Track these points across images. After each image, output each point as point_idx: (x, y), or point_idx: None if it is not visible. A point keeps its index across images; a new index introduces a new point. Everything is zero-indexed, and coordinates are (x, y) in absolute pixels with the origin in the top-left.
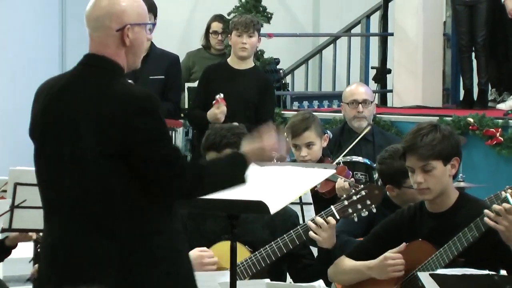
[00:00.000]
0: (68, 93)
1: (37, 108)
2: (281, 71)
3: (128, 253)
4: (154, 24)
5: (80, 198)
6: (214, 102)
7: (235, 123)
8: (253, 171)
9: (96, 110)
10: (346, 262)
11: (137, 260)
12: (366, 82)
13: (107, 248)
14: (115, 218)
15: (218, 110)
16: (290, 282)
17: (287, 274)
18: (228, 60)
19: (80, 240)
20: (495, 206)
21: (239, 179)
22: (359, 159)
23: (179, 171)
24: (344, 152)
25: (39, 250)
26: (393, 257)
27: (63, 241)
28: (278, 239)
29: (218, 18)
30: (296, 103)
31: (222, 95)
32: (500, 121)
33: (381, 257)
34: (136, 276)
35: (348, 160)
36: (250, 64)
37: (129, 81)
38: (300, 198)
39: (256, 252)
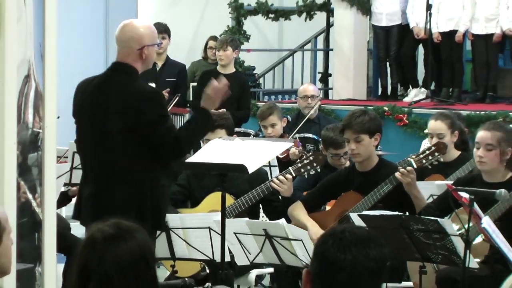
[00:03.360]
0: (102, 88)
1: (78, 98)
2: (256, 74)
3: (140, 194)
4: (160, 43)
5: (109, 161)
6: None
7: (223, 109)
8: (238, 144)
9: (121, 100)
10: (299, 213)
11: (143, 197)
12: (314, 82)
13: (126, 192)
14: (131, 173)
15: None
16: (262, 220)
17: (260, 214)
18: (217, 67)
19: (109, 189)
20: (402, 170)
21: (207, 125)
22: (310, 135)
23: (173, 139)
24: (296, 130)
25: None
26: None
27: (98, 190)
28: (254, 190)
29: (213, 37)
30: (266, 97)
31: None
32: (406, 109)
33: (318, 234)
34: (144, 206)
35: (302, 136)
36: (232, 69)
37: (152, 84)
38: (269, 162)
39: (238, 199)
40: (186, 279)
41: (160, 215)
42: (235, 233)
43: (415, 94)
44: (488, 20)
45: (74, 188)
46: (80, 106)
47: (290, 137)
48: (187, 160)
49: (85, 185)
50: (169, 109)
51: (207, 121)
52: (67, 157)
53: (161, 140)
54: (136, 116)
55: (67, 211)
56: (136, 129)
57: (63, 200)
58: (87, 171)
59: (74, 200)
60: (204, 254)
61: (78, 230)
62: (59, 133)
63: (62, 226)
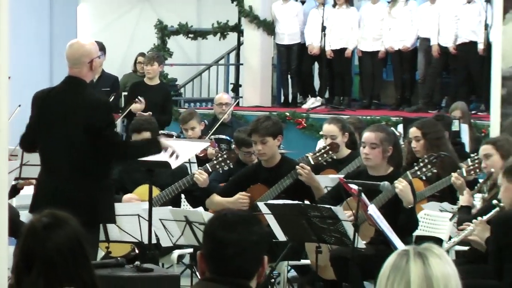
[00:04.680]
0: (58, 98)
1: (38, 107)
2: (178, 85)
3: (95, 184)
4: (102, 54)
5: (69, 159)
6: (136, 100)
7: (150, 113)
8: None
9: (76, 108)
10: (216, 198)
11: (96, 188)
12: (227, 91)
13: (85, 183)
14: (87, 168)
15: (138, 105)
16: (183, 208)
17: (182, 203)
18: (145, 79)
19: (70, 182)
20: (301, 164)
21: (150, 152)
22: (224, 136)
23: (118, 143)
24: (211, 132)
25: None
26: (242, 197)
27: (62, 184)
28: (176, 183)
29: (142, 54)
30: (186, 104)
31: (142, 98)
32: (304, 114)
33: (235, 196)
34: (97, 196)
35: (217, 137)
36: (157, 81)
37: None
38: (189, 159)
39: (163, 191)
40: (119, 258)
41: (111, 209)
42: (160, 219)
43: (312, 102)
44: (374, 40)
45: (22, 181)
46: (40, 113)
47: (207, 138)
48: None
49: (47, 182)
50: None
51: (154, 148)
52: (17, 155)
53: (107, 143)
54: (91, 121)
55: (17, 201)
56: (89, 133)
57: (13, 192)
58: (49, 169)
59: (22, 192)
60: (134, 237)
61: (25, 217)
62: (10, 135)
63: (13, 213)
